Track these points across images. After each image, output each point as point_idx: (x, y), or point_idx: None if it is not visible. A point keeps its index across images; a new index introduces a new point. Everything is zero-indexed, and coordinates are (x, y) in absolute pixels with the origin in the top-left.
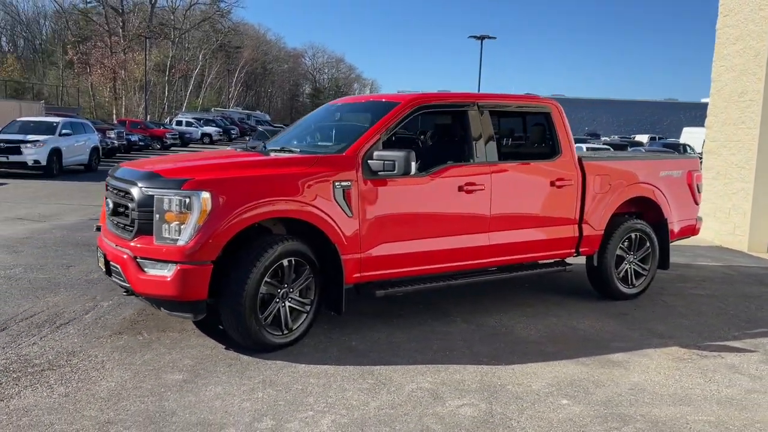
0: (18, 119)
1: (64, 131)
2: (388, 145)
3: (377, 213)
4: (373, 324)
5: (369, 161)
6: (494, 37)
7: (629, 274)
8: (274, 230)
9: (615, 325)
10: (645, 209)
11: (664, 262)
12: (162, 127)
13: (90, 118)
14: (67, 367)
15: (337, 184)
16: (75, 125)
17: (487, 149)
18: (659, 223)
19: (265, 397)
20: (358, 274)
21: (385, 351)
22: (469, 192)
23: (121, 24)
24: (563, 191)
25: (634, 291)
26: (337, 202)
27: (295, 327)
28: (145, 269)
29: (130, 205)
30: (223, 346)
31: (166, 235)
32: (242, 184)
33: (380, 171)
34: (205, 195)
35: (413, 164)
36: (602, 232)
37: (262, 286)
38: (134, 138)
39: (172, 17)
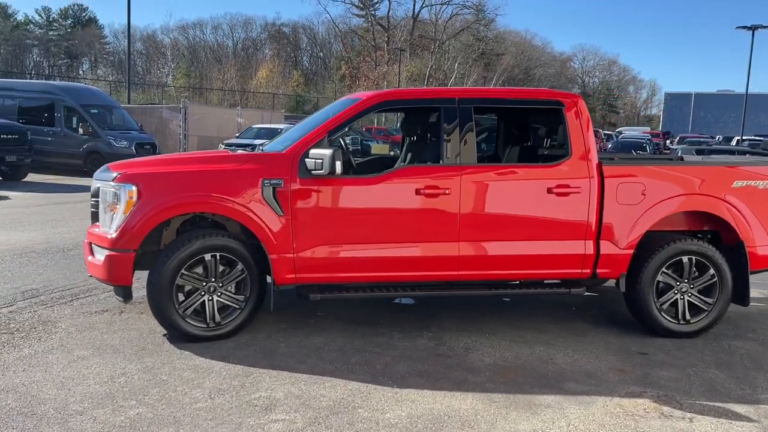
0: (254, 126)
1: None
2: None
3: (315, 213)
4: (328, 329)
5: (306, 160)
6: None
7: (681, 307)
8: (228, 227)
9: (604, 365)
10: (721, 228)
11: (740, 296)
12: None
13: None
14: (33, 331)
15: (266, 182)
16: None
17: (462, 150)
18: (734, 246)
19: (123, 382)
20: (292, 275)
21: (296, 356)
22: (430, 196)
23: (386, 39)
24: (568, 200)
25: (688, 329)
26: (266, 201)
27: (224, 321)
28: (94, 254)
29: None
30: (164, 332)
31: (105, 224)
32: (168, 179)
33: (313, 170)
34: (131, 188)
35: (338, 164)
36: (632, 251)
37: (179, 278)
38: (369, 143)
39: (433, 29)
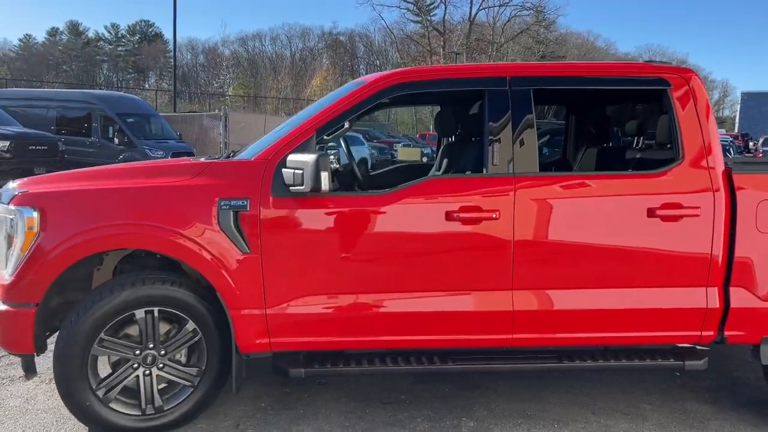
0: None
1: (332, 144)
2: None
3: (296, 249)
4: (326, 410)
5: (283, 171)
6: None
7: None
8: (186, 267)
9: None
10: None
11: None
12: None
13: (394, 132)
14: None
15: (224, 203)
16: (345, 138)
17: (517, 154)
18: None
19: None
20: (263, 339)
21: None
22: (468, 222)
23: (441, 43)
24: (680, 226)
25: None
26: (224, 231)
27: (170, 406)
28: None
29: None
30: None
31: (1, 264)
32: (82, 199)
33: (291, 185)
34: (31, 213)
35: (324, 176)
36: None
37: (97, 346)
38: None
39: (491, 32)
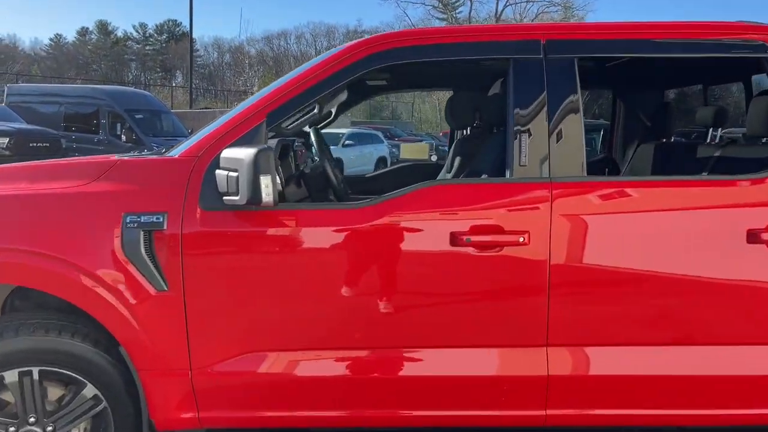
0: None
1: (347, 142)
2: None
3: (236, 287)
4: None
5: (217, 172)
6: None
7: None
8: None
9: None
10: None
11: None
12: None
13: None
14: None
15: (131, 219)
16: (362, 136)
17: (555, 150)
18: None
19: None
20: (190, 414)
21: None
22: (483, 247)
23: None
24: None
25: None
26: (129, 258)
27: None
28: None
29: None
30: None
31: None
32: None
33: (225, 194)
34: None
35: (265, 182)
36: None
37: None
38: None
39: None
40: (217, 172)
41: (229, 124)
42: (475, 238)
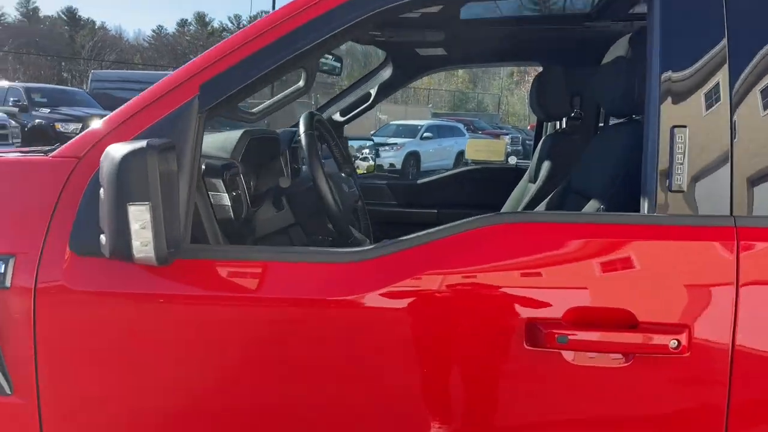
0: (393, 122)
1: (426, 134)
2: None
3: (125, 389)
4: None
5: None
6: None
7: None
8: None
9: None
10: None
11: None
12: None
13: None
14: None
15: None
16: (442, 128)
17: (740, 163)
18: None
19: None
20: None
21: None
22: (596, 351)
23: None
24: None
25: None
26: None
27: None
28: None
29: None
30: None
31: None
32: None
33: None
34: None
35: (138, 219)
36: None
37: None
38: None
39: None
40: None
41: (135, 105)
42: (575, 336)
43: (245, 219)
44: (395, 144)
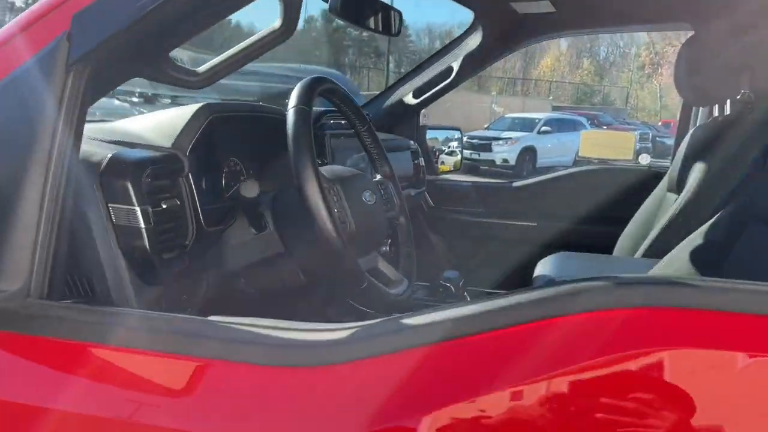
0: (508, 115)
1: (544, 128)
2: None
3: None
4: None
5: None
6: None
7: None
8: None
9: None
10: None
11: None
12: None
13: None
14: None
15: None
16: (562, 122)
17: None
18: None
19: None
20: None
21: None
22: None
23: None
24: None
25: None
26: None
27: None
28: None
29: None
30: None
31: None
32: None
33: None
34: None
35: None
36: None
37: None
38: (663, 140)
39: None
40: None
41: None
42: None
43: (199, 247)
44: (509, 138)
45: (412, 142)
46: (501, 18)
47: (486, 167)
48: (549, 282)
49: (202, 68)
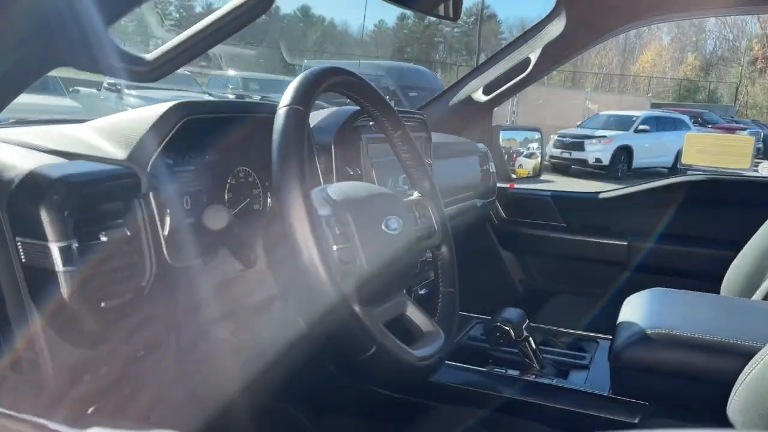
0: (603, 113)
1: (642, 127)
2: None
3: None
4: None
5: None
6: None
7: None
8: None
9: None
10: None
11: None
12: None
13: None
14: None
15: None
16: (662, 120)
17: None
18: None
19: None
20: None
21: None
22: None
23: None
24: None
25: None
26: None
27: None
28: None
29: None
30: None
31: None
32: None
33: None
34: None
35: None
36: None
37: None
38: None
39: None
40: None
41: None
42: None
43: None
44: (603, 137)
45: (480, 145)
46: (588, 0)
47: (577, 167)
48: (639, 340)
49: (152, 54)
